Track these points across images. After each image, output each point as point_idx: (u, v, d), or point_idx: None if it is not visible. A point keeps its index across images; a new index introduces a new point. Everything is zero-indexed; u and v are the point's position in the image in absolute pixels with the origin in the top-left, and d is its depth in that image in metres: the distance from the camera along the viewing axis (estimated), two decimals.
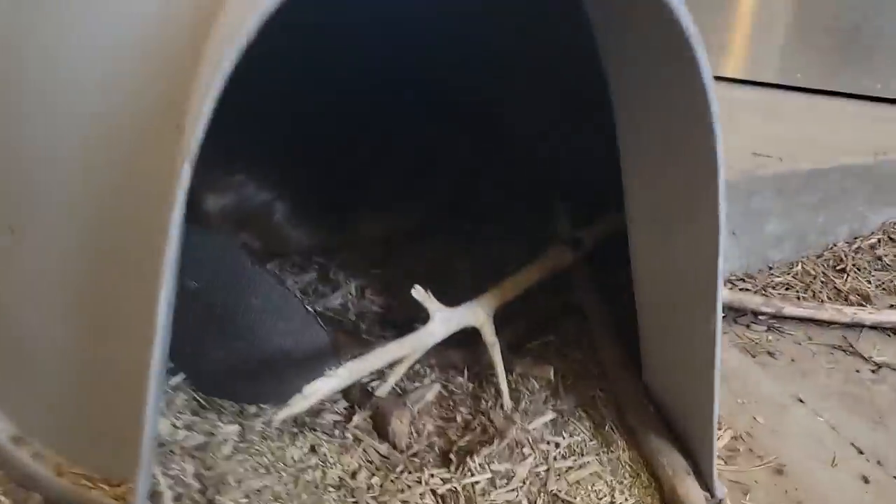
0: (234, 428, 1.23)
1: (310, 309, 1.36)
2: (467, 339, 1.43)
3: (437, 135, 1.82)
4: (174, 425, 1.20)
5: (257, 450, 1.20)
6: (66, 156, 1.00)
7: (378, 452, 1.21)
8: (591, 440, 1.25)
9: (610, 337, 1.40)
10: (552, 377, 1.34)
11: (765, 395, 1.52)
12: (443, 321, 1.30)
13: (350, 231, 1.77)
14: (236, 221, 1.61)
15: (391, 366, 1.31)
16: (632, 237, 1.15)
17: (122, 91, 0.95)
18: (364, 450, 1.22)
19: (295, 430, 1.25)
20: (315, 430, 1.25)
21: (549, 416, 1.29)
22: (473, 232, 1.89)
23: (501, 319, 1.39)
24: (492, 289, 1.37)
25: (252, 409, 1.30)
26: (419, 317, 1.32)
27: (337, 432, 1.25)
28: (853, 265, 2.20)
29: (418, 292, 1.28)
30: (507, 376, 1.33)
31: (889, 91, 2.99)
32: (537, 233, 1.68)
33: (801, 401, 1.53)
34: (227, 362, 1.31)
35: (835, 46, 3.07)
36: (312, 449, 1.21)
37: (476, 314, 1.33)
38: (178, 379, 1.31)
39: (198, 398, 1.29)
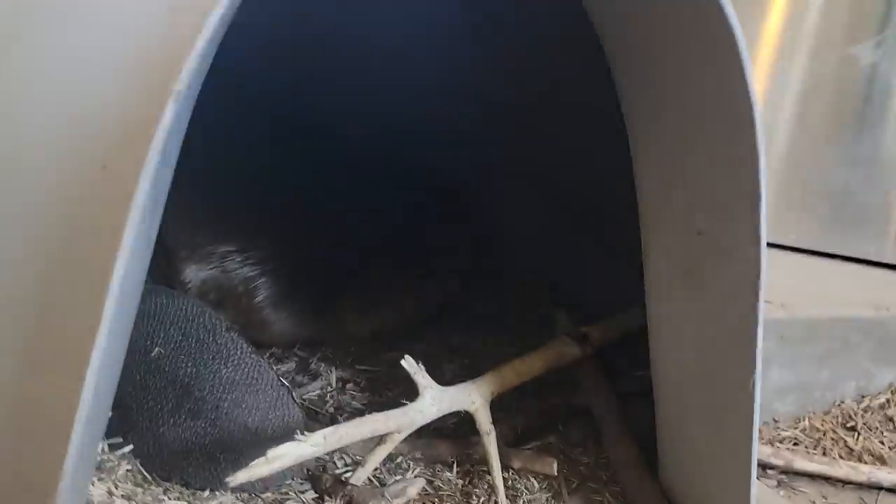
0: None
1: (284, 382, 1.21)
2: (458, 431, 1.28)
3: (433, 233, 1.75)
4: (110, 492, 1.01)
5: None
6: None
7: None
8: None
9: (621, 432, 1.25)
10: (555, 471, 1.16)
11: None
12: (434, 400, 1.15)
13: (335, 325, 1.64)
14: (216, 298, 1.49)
15: (370, 447, 1.15)
16: (650, 302, 1.04)
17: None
18: None
19: None
20: None
21: None
22: (466, 342, 1.77)
23: (498, 413, 1.24)
24: (490, 372, 1.23)
25: (205, 492, 1.11)
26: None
27: None
28: (864, 424, 2.09)
29: (409, 363, 1.14)
30: (502, 473, 1.16)
31: (883, 256, 2.99)
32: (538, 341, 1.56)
33: None
34: (182, 441, 1.15)
35: (826, 209, 3.11)
36: None
37: (471, 397, 1.19)
38: (126, 449, 1.14)
39: (144, 472, 1.11)
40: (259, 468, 0.95)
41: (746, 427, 0.88)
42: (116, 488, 1.03)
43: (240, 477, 0.93)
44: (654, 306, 1.05)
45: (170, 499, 1.06)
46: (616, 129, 1.08)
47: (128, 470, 1.09)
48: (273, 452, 0.97)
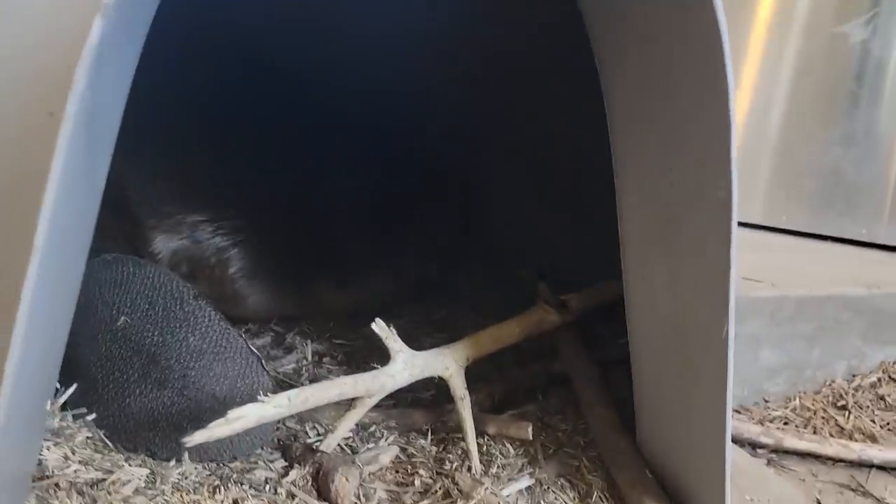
0: (143, 471, 1.01)
1: (254, 350, 1.18)
2: (436, 401, 1.26)
3: (413, 208, 1.72)
4: (67, 457, 0.98)
5: (166, 499, 0.97)
6: None
7: None
8: None
9: (599, 398, 1.22)
10: (530, 435, 1.13)
11: (776, 495, 1.31)
12: (406, 364, 1.12)
13: (312, 299, 1.61)
14: (187, 270, 1.45)
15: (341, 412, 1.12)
16: (625, 258, 1.01)
17: None
18: None
19: (217, 482, 1.03)
20: (241, 484, 1.03)
21: (526, 482, 1.07)
22: (447, 317, 1.74)
23: (476, 383, 1.22)
24: (466, 338, 1.20)
25: (171, 461, 1.08)
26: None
27: (268, 488, 1.03)
28: (854, 403, 2.06)
29: (380, 327, 1.11)
30: (478, 439, 1.13)
31: (874, 237, 2.97)
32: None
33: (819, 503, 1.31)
34: (149, 412, 1.12)
35: (818, 191, 3.08)
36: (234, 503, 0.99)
37: (445, 362, 1.16)
38: (89, 417, 1.10)
39: (105, 440, 1.07)
40: (219, 428, 0.92)
41: (720, 380, 0.85)
42: (73, 454, 1.00)
43: (197, 437, 0.90)
44: (630, 261, 1.02)
45: (130, 465, 1.02)
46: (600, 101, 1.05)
47: (88, 437, 1.06)
48: (234, 413, 0.93)
